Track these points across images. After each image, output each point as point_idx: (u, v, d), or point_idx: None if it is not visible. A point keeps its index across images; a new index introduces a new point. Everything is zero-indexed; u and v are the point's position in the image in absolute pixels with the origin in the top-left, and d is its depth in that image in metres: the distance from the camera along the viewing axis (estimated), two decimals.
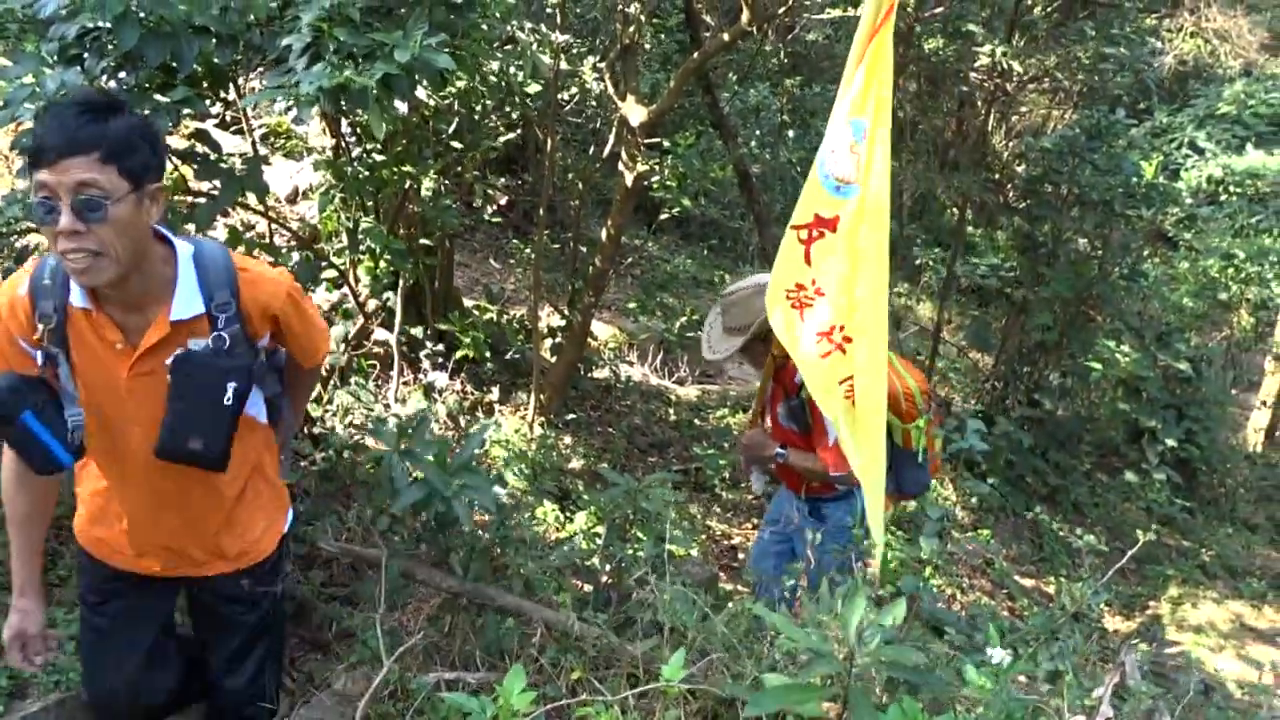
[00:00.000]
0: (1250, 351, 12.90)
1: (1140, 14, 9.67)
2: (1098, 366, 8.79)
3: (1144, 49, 9.57)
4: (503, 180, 7.69)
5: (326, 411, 4.91)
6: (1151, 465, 8.87)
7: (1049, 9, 9.10)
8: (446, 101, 5.16)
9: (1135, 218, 8.74)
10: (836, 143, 2.99)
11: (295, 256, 4.38)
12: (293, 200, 6.58)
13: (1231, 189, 12.20)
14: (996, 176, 11.20)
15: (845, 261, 3.01)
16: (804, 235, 3.06)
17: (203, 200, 3.56)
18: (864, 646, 2.02)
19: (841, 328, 3.03)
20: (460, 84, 5.02)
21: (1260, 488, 10.28)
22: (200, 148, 3.40)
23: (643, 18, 5.90)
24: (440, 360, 5.80)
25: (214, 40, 2.97)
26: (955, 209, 11.16)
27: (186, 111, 3.04)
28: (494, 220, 7.86)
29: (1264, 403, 11.69)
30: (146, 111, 2.90)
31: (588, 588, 3.37)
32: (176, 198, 3.66)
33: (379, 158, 4.64)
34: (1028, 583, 6.94)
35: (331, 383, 5.06)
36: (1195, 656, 5.97)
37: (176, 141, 3.56)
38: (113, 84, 2.96)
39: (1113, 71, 9.21)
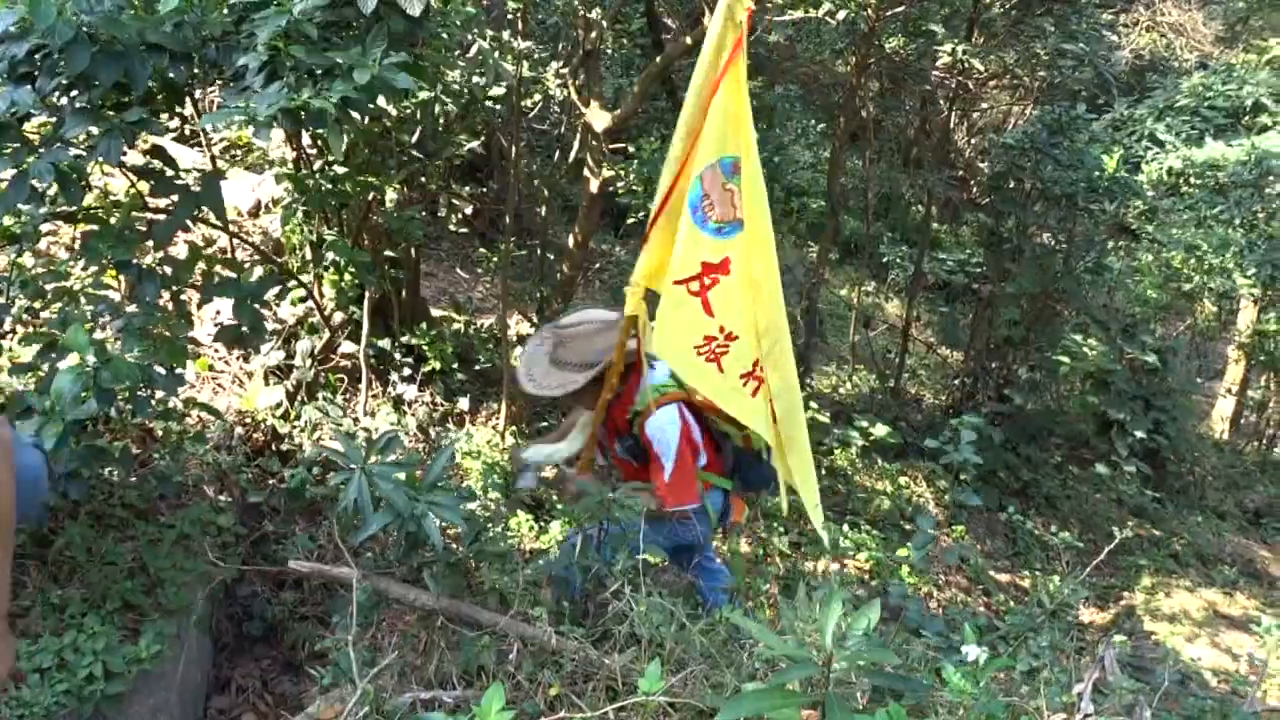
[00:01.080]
0: (1214, 341, 13.08)
1: (1096, 9, 9.75)
2: (1065, 360, 8.86)
3: (1102, 44, 9.66)
4: (468, 189, 7.63)
5: (294, 428, 4.85)
6: (1121, 457, 8.93)
7: (1007, 6, 9.16)
8: (409, 111, 5.12)
9: (1098, 211, 8.83)
10: (709, 188, 2.96)
11: (258, 271, 4.32)
12: (255, 213, 6.49)
13: (1192, 180, 12.31)
14: (960, 173, 11.28)
15: (744, 298, 3.03)
16: (695, 288, 3.02)
17: (160, 217, 3.50)
18: (841, 650, 2.01)
19: (756, 361, 3.08)
20: (422, 94, 4.98)
21: (1228, 475, 10.41)
22: (156, 164, 3.35)
23: (604, 23, 5.89)
24: (409, 372, 5.75)
25: (168, 57, 2.91)
26: (920, 206, 11.22)
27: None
28: (460, 230, 7.81)
29: (1229, 391, 11.86)
30: (100, 130, 2.85)
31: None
32: (134, 215, 3.60)
33: (341, 170, 4.59)
34: (1003, 578, 6.97)
35: (299, 398, 5.01)
36: (1170, 646, 6.01)
37: (133, 158, 3.51)
38: (65, 102, 2.91)
39: (1072, 67, 9.29)
